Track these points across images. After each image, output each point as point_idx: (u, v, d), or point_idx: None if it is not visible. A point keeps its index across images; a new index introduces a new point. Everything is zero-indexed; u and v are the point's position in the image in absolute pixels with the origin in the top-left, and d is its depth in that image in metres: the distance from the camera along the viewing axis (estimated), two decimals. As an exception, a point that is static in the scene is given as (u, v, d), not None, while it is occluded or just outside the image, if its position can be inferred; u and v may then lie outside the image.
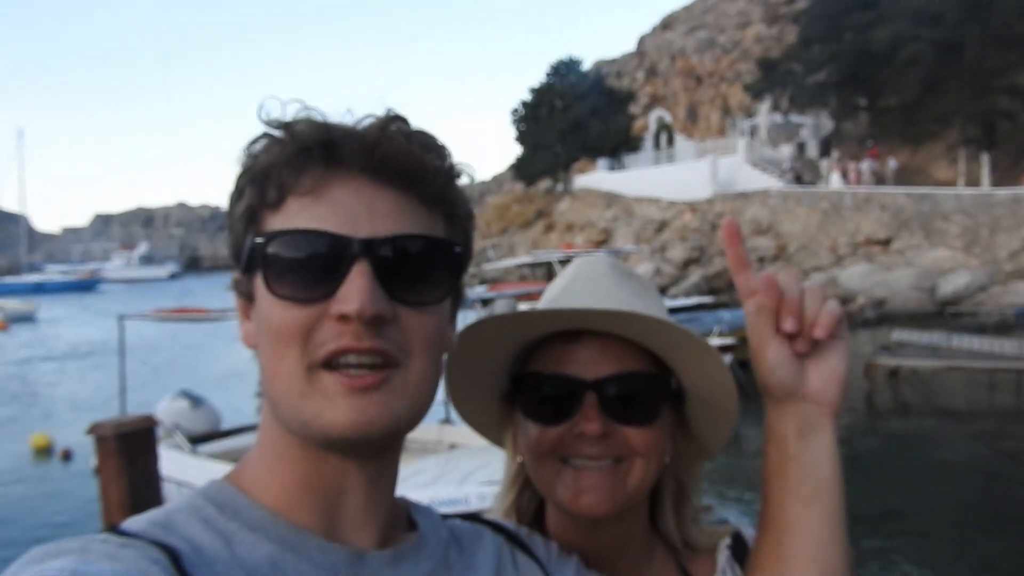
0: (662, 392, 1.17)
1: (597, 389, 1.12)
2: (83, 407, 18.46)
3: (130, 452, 6.45)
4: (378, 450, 0.84)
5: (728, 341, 16.60)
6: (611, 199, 46.22)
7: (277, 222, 0.81)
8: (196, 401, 12.19)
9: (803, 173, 39.06)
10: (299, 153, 0.80)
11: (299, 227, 0.79)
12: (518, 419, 1.20)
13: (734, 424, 1.20)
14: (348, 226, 0.79)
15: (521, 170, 55.27)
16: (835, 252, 33.38)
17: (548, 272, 26.98)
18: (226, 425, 12.38)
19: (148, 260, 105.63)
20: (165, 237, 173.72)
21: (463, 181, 0.90)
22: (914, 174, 36.90)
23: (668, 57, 60.77)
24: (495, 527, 1.06)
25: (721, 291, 32.71)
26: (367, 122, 0.84)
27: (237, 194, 0.84)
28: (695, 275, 34.90)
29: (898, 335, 19.69)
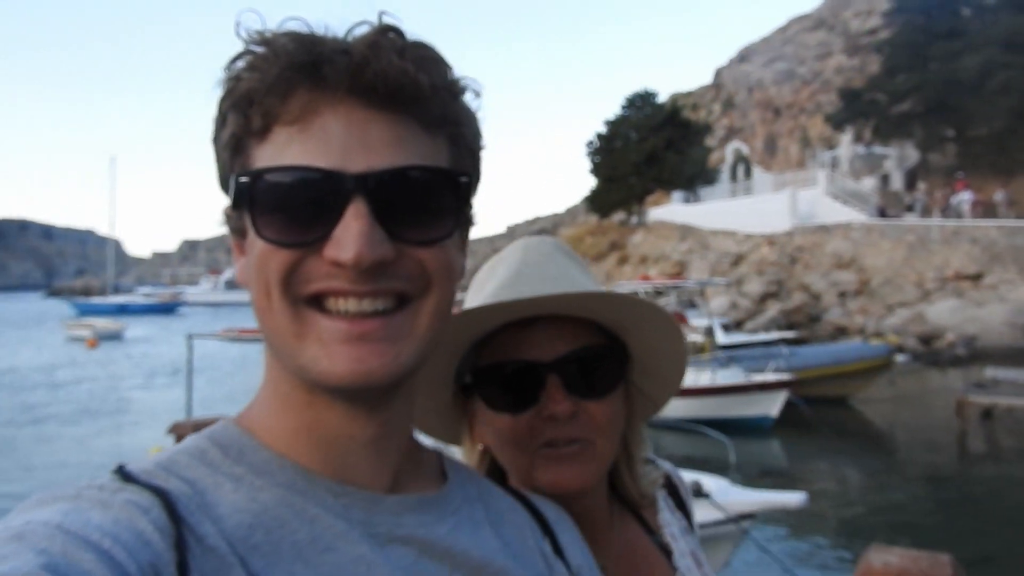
0: (619, 360, 1.20)
1: (558, 369, 1.13)
2: (159, 418, 18.99)
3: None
4: (385, 396, 0.79)
5: (784, 377, 16.28)
6: (686, 231, 45.70)
7: (264, 154, 0.74)
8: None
9: (887, 207, 37.80)
10: (282, 76, 0.71)
11: (286, 163, 0.72)
12: (479, 412, 1.20)
13: (681, 382, 1.29)
14: (340, 160, 0.71)
15: (595, 202, 55.22)
16: (921, 287, 32.14)
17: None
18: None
19: (232, 285, 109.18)
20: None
21: (468, 97, 0.81)
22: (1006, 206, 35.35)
23: (745, 89, 60.19)
24: (527, 504, 1.00)
25: (801, 326, 31.84)
26: (358, 31, 0.75)
27: (220, 119, 0.76)
28: (773, 309, 33.99)
29: (992, 372, 18.70)
